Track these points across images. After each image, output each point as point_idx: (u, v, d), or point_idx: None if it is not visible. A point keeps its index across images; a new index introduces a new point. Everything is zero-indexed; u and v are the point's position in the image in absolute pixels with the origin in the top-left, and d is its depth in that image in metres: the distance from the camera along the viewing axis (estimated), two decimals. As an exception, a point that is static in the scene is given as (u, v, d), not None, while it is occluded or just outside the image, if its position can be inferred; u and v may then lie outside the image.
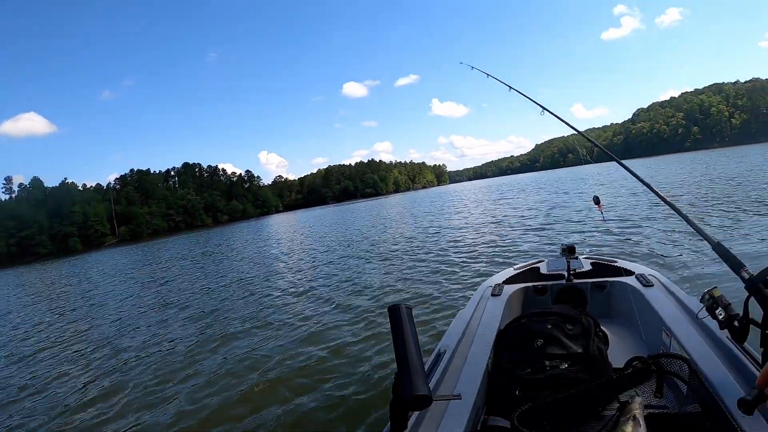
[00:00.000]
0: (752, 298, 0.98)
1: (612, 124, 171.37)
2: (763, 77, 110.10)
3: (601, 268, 2.33)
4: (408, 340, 0.91)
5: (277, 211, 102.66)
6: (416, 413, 1.07)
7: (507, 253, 7.37)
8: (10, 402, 4.24)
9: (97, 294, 11.38)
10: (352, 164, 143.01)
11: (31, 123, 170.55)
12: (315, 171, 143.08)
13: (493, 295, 2.11)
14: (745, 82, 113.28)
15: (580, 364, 1.37)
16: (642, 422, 1.05)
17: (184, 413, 3.23)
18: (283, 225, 34.39)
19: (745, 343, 1.09)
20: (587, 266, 2.34)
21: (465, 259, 7.36)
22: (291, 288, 7.31)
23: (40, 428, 3.49)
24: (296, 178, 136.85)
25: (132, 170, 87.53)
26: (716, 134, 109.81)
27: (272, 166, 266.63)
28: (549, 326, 1.47)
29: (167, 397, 3.61)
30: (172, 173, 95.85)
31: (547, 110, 2.17)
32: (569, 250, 2.23)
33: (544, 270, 2.39)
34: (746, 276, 1.02)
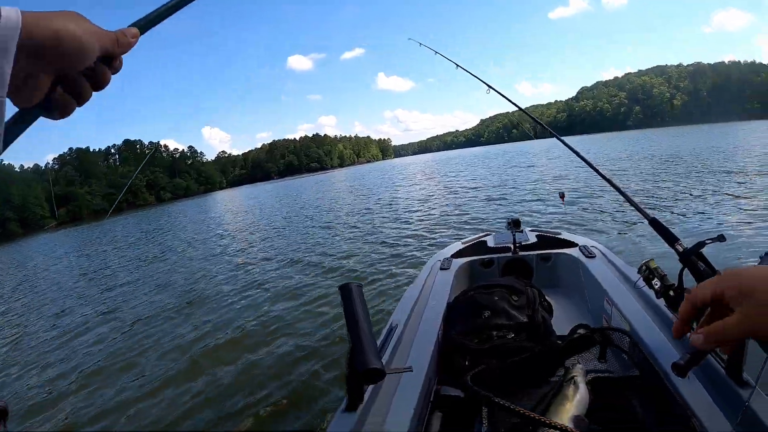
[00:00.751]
0: (686, 270, 1.02)
1: (556, 101, 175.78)
2: (706, 62, 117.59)
3: (546, 240, 2.39)
4: (359, 317, 0.94)
5: (221, 188, 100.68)
6: (371, 386, 1.08)
7: (455, 227, 7.55)
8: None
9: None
10: (297, 138, 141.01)
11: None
12: (259, 146, 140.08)
13: (441, 269, 2.12)
14: (688, 65, 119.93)
15: (525, 332, 1.42)
16: (582, 386, 1.10)
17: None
18: (228, 203, 32.86)
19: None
20: (532, 239, 2.39)
21: (415, 233, 7.47)
22: (240, 272, 6.88)
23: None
24: (240, 154, 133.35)
25: (71, 149, 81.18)
26: (657, 114, 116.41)
27: (216, 141, 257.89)
28: (495, 298, 1.51)
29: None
30: (113, 151, 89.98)
31: (493, 88, 2.16)
32: (515, 224, 2.26)
33: (491, 243, 2.42)
34: (680, 249, 1.06)
